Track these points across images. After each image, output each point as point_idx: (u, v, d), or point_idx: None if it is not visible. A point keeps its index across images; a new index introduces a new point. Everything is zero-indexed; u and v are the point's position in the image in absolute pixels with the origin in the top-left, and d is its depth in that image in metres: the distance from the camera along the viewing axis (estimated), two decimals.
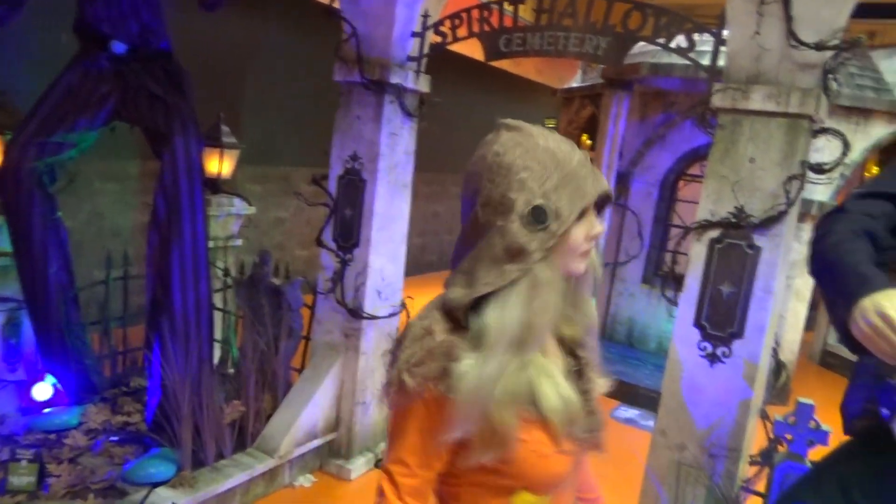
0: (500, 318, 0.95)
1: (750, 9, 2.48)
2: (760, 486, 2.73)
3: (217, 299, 3.74)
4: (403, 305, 3.78)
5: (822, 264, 1.37)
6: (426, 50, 3.47)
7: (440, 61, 3.59)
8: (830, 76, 2.45)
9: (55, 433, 3.13)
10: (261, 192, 6.50)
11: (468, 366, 0.95)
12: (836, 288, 1.29)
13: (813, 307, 5.85)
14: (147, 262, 3.10)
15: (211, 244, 3.68)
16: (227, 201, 4.04)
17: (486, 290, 0.96)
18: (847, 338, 1.24)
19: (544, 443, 1.01)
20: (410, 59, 3.44)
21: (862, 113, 5.46)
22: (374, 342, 3.61)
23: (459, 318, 0.97)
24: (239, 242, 4.24)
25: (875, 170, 6.69)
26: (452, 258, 1.04)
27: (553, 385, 1.01)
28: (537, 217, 0.94)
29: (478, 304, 0.97)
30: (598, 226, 1.01)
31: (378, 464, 3.70)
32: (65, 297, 3.19)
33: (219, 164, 4.04)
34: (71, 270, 3.26)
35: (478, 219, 0.97)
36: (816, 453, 2.29)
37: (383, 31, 3.32)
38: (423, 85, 3.54)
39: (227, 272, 4.02)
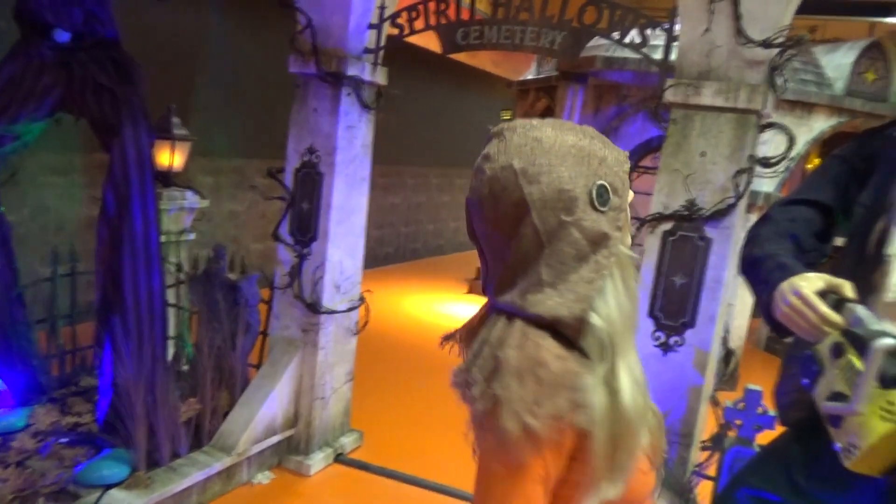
0: (619, 310, 0.89)
1: (701, 5, 2.54)
2: (711, 471, 2.82)
3: (170, 295, 3.66)
4: (362, 299, 3.76)
5: (749, 262, 1.53)
6: (383, 42, 3.44)
7: (396, 52, 3.57)
8: (776, 72, 2.54)
9: (1, 436, 3.02)
10: (214, 184, 6.36)
11: (623, 384, 0.87)
12: (760, 279, 1.44)
13: None
14: (97, 257, 3.01)
15: (163, 238, 3.59)
16: (180, 194, 3.95)
17: (590, 288, 0.87)
18: (773, 323, 1.38)
19: (643, 459, 0.94)
20: (367, 50, 3.41)
21: (805, 107, 5.65)
22: (333, 337, 3.59)
23: (573, 333, 0.87)
24: (192, 236, 4.16)
25: (817, 161, 6.94)
26: (499, 281, 0.92)
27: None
28: (602, 197, 0.88)
29: None
30: (631, 191, 0.96)
31: (338, 458, 3.69)
32: (8, 296, 3.09)
33: (170, 157, 3.94)
34: (15, 267, 3.16)
35: (535, 226, 0.87)
36: (764, 437, 2.37)
37: (339, 21, 3.28)
38: (381, 77, 3.51)
39: (180, 267, 3.94)
